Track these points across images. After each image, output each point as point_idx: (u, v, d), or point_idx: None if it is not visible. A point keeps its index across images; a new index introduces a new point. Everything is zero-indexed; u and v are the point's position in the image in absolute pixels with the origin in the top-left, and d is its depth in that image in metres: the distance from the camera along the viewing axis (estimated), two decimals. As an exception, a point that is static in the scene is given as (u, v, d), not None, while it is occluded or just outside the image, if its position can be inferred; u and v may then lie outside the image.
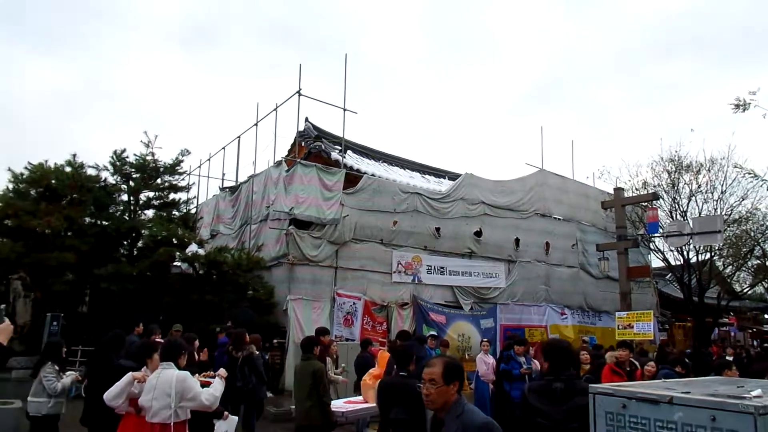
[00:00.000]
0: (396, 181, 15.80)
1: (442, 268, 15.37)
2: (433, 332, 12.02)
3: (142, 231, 13.40)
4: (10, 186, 12.83)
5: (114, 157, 14.04)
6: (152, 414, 4.02)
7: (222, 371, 4.80)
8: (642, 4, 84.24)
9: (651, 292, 20.32)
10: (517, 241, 17.11)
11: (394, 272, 14.37)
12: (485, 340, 10.99)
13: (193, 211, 16.83)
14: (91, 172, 13.71)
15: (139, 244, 13.67)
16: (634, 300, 14.67)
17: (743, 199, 17.57)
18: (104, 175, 13.98)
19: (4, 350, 2.93)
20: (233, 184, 17.67)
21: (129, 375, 4.22)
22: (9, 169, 12.81)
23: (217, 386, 4.37)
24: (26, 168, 12.88)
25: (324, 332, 8.77)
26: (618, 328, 11.43)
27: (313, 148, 15.22)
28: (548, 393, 3.39)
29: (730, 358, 8.65)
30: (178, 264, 13.48)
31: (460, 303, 15.42)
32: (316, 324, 11.75)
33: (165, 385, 4.05)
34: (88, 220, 13.10)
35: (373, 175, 15.16)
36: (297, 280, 12.83)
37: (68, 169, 13.31)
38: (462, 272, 15.75)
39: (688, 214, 17.69)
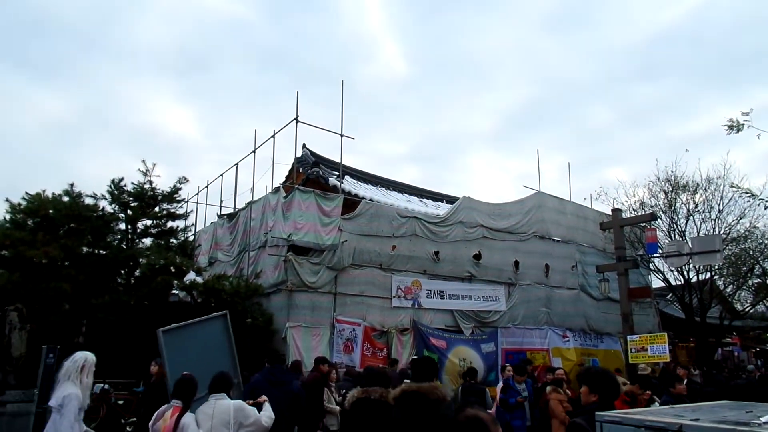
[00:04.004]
0: (394, 206, 15.82)
1: (442, 292, 15.28)
2: (415, 357, 11.85)
3: (140, 259, 13.32)
4: (8, 216, 12.81)
5: (112, 185, 14.05)
6: None
7: (264, 396, 4.95)
8: (623, 28, 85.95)
9: (652, 313, 20.21)
10: (516, 263, 17.06)
11: (394, 297, 14.28)
12: (508, 365, 10.37)
13: (191, 238, 16.80)
14: (88, 201, 13.69)
15: (137, 272, 13.57)
16: (636, 321, 14.56)
17: (741, 218, 17.67)
18: (102, 204, 13.95)
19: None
20: (231, 211, 17.67)
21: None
22: (6, 200, 12.81)
23: (269, 408, 4.67)
24: (24, 198, 12.88)
25: (323, 361, 8.67)
26: (631, 352, 11.26)
27: (311, 174, 15.28)
28: None
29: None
30: (176, 292, 13.37)
31: (461, 327, 15.28)
32: (316, 351, 11.64)
33: (223, 415, 4.17)
34: (85, 249, 13.03)
35: (371, 200, 15.19)
36: (296, 306, 12.72)
37: (66, 198, 13.30)
38: (462, 296, 15.66)
39: (687, 233, 17.73)
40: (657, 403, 6.63)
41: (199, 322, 6.98)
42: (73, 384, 4.71)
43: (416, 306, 14.62)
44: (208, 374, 5.19)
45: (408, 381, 4.53)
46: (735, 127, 7.72)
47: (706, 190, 17.69)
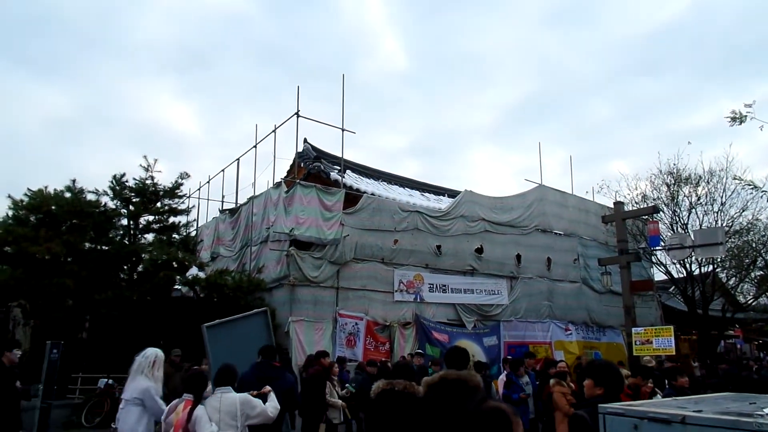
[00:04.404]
0: (396, 200, 15.81)
1: (444, 286, 15.29)
2: (419, 351, 11.86)
3: (143, 255, 13.36)
4: (10, 213, 12.85)
5: (113, 181, 14.07)
6: None
7: (267, 387, 5.07)
8: (624, 23, 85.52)
9: (655, 306, 20.20)
10: (518, 257, 17.05)
11: (396, 291, 14.29)
12: (509, 358, 10.38)
13: (193, 234, 16.81)
14: (90, 197, 13.73)
15: (140, 268, 13.61)
16: (639, 314, 14.56)
17: (743, 211, 17.60)
18: (104, 200, 14.01)
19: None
20: (233, 206, 17.67)
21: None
22: (9, 196, 12.85)
23: (274, 398, 4.78)
24: (26, 194, 12.92)
25: (323, 354, 8.68)
26: (635, 344, 11.26)
27: (312, 168, 15.27)
28: None
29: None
30: (179, 287, 13.42)
31: (463, 321, 15.30)
32: (318, 345, 11.65)
33: (230, 407, 4.24)
34: (88, 245, 13.08)
35: (372, 194, 15.17)
36: (298, 301, 12.74)
37: (68, 194, 13.33)
38: (464, 290, 15.67)
39: (689, 226, 17.69)
40: (659, 396, 6.63)
41: (240, 318, 7.38)
42: (147, 378, 4.97)
43: (418, 300, 14.64)
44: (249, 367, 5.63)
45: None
46: (738, 119, 7.68)
47: (708, 182, 17.65)
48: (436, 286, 15.14)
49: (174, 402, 4.41)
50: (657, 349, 11.12)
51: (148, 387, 4.89)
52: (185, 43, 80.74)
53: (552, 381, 7.40)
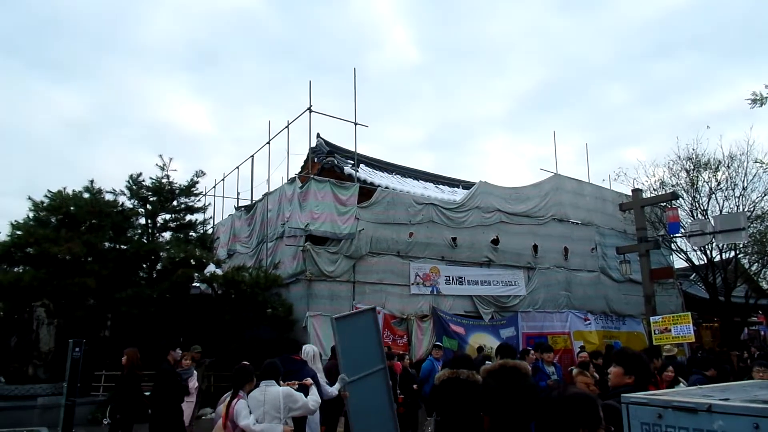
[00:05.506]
0: (410, 193, 15.76)
1: (461, 278, 15.24)
2: (437, 343, 11.79)
3: (161, 253, 13.52)
4: (31, 214, 13.06)
5: (130, 181, 14.24)
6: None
7: (308, 379, 5.37)
8: (638, 5, 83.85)
9: (676, 294, 19.91)
10: (535, 247, 16.92)
11: (413, 284, 14.28)
12: (531, 350, 10.19)
13: (210, 231, 16.98)
14: (108, 197, 13.92)
15: (158, 266, 13.78)
16: (659, 302, 14.36)
17: (766, 195, 17.23)
18: (121, 199, 14.20)
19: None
20: (248, 203, 17.79)
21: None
22: (29, 198, 13.06)
23: (316, 392, 5.09)
24: (46, 196, 13.12)
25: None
26: (654, 333, 11.12)
27: (326, 163, 15.27)
28: None
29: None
30: (197, 285, 13.56)
31: (480, 312, 15.25)
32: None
33: (274, 400, 4.48)
34: (107, 244, 13.27)
35: (386, 187, 15.15)
36: (315, 296, 12.80)
37: (86, 195, 13.52)
38: (481, 281, 15.60)
39: (709, 212, 17.38)
40: (682, 384, 6.52)
41: (356, 313, 8.24)
42: (311, 368, 5.79)
43: (435, 292, 14.61)
44: (364, 358, 6.35)
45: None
46: (759, 100, 7.51)
47: (728, 167, 17.29)
48: (453, 278, 15.09)
49: (226, 394, 4.79)
50: (676, 337, 10.95)
51: (315, 375, 5.65)
52: (196, 41, 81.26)
53: (575, 371, 7.32)
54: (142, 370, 7.34)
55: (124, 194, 14.22)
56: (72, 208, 13.02)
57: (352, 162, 15.14)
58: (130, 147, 68.06)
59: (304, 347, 6.18)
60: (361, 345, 6.55)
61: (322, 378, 5.95)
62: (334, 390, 6.04)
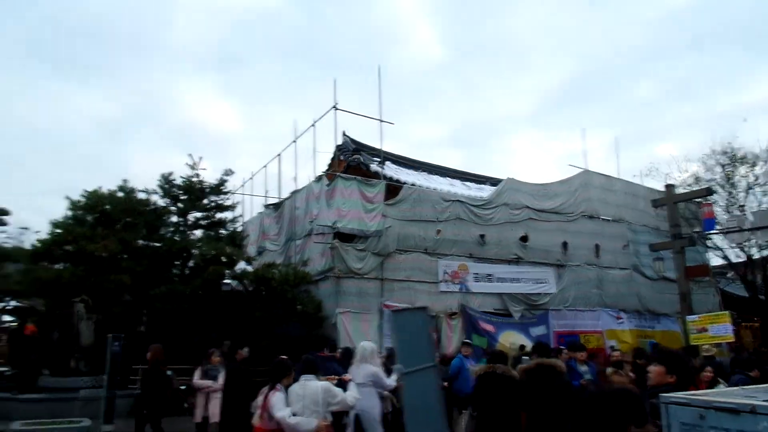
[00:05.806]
0: (437, 190, 15.70)
1: (490, 275, 15.12)
2: (466, 341, 11.68)
3: (192, 251, 13.80)
4: (69, 213, 13.49)
5: (162, 180, 14.57)
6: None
7: (348, 375, 5.63)
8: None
9: (713, 292, 19.33)
10: (565, 244, 16.66)
11: (441, 282, 14.23)
12: (563, 348, 9.91)
13: (240, 229, 17.21)
14: (141, 196, 14.28)
15: (190, 263, 14.07)
16: (695, 301, 13.97)
17: (807, 190, 16.58)
18: (154, 198, 14.54)
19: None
20: (276, 200, 17.98)
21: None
22: (66, 197, 13.48)
23: (354, 387, 5.24)
24: (82, 195, 13.52)
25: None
26: (691, 333, 10.83)
27: (352, 161, 15.32)
28: None
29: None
30: (228, 282, 13.79)
31: (510, 310, 15.11)
32: (366, 336, 11.75)
33: (313, 395, 4.61)
34: (141, 242, 13.61)
35: (413, 184, 15.12)
36: (344, 293, 12.88)
37: (120, 194, 13.89)
38: (510, 279, 15.46)
39: (747, 207, 16.81)
40: (722, 385, 6.34)
41: (411, 309, 8.78)
42: (371, 364, 6.17)
43: (464, 290, 14.53)
44: (417, 351, 6.57)
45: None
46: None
47: (766, 161, 16.71)
48: (482, 276, 14.99)
49: (266, 387, 4.91)
50: (714, 336, 10.65)
51: (376, 371, 6.06)
52: (222, 42, 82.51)
53: (610, 370, 7.20)
54: (167, 364, 7.55)
55: (157, 193, 14.58)
56: (107, 206, 13.39)
57: (378, 159, 15.15)
58: (160, 146, 69.62)
59: (361, 344, 6.45)
60: (415, 340, 6.77)
61: (381, 372, 6.23)
62: (392, 381, 6.25)
